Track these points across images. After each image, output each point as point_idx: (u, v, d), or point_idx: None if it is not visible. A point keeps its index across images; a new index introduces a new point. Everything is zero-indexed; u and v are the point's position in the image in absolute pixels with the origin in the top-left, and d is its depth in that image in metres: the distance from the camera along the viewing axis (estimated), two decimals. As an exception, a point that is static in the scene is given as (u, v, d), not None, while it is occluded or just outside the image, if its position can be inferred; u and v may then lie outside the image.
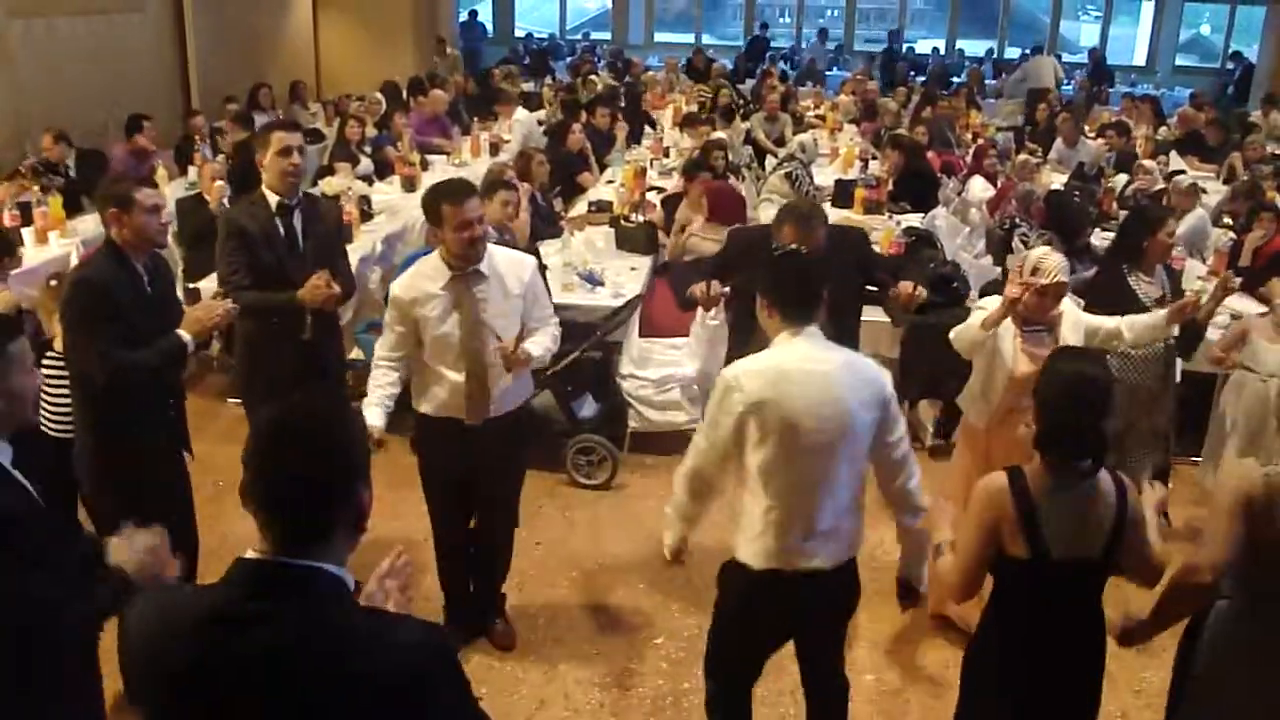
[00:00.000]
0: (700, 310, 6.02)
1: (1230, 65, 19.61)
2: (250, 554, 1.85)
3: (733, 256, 4.96)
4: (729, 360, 4.57)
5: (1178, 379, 5.66)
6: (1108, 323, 4.47)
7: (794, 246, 3.61)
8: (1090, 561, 2.89)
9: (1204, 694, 3.07)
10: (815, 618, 3.47)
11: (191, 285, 6.78)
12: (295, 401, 1.93)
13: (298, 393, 1.99)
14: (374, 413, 4.03)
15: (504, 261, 4.16)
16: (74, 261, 6.83)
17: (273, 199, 4.43)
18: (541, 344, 4.15)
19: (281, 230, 4.42)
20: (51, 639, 2.54)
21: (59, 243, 7.05)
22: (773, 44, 21.88)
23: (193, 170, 8.60)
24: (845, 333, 4.43)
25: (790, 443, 3.17)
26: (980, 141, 10.93)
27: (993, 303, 4.32)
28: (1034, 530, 2.84)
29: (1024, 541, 2.85)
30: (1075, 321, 4.35)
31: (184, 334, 3.88)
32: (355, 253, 7.18)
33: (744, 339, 4.56)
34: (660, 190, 8.68)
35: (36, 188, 7.51)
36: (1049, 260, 4.18)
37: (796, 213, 4.59)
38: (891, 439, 3.36)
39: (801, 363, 3.20)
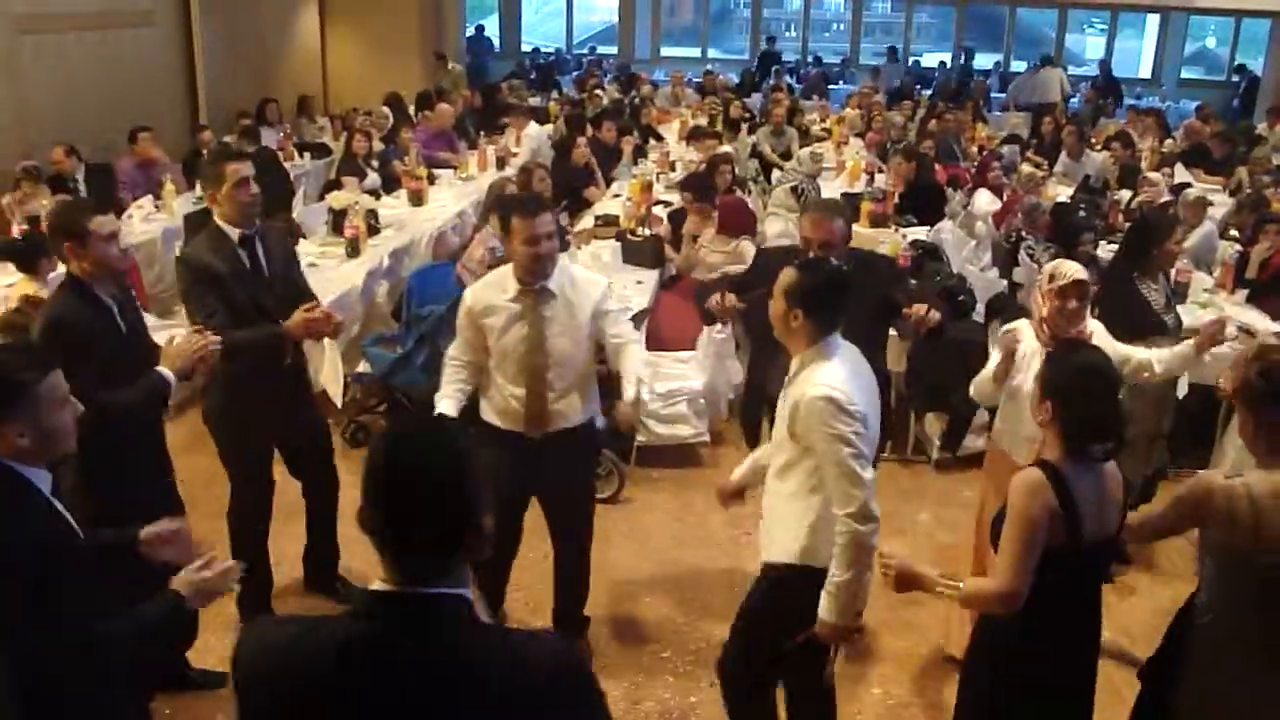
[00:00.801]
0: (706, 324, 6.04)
1: (1235, 78, 19.63)
2: (378, 585, 1.82)
3: (759, 275, 4.89)
4: (751, 374, 4.60)
5: (1183, 390, 5.67)
6: (1137, 353, 4.41)
7: (834, 260, 3.61)
8: (1110, 540, 3.06)
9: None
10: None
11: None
12: (415, 436, 1.90)
13: (414, 425, 1.95)
14: (446, 403, 4.09)
15: (576, 281, 4.17)
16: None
17: (233, 232, 4.18)
18: (633, 376, 4.13)
19: (247, 263, 4.22)
20: (100, 666, 2.53)
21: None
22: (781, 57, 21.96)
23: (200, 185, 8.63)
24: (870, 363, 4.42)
25: (870, 447, 3.29)
26: (985, 154, 10.95)
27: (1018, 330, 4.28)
28: (1074, 518, 2.90)
29: (1064, 530, 2.90)
30: (1105, 346, 4.14)
31: (165, 371, 3.72)
32: (362, 267, 7.22)
33: (765, 355, 4.58)
34: (667, 204, 8.70)
35: (46, 202, 7.54)
36: (1064, 264, 4.20)
37: (815, 205, 4.64)
38: None
39: (855, 365, 3.33)
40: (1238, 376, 3.11)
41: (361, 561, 5.04)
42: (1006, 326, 4.33)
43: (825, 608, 3.27)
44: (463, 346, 4.21)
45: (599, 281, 4.31)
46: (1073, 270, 4.13)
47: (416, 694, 1.76)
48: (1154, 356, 4.43)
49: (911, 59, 21.89)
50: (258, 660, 1.86)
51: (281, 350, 4.32)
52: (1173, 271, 6.89)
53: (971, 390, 4.37)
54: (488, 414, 4.24)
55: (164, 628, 2.66)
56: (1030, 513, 2.90)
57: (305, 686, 1.79)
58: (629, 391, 4.06)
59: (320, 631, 1.85)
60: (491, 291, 4.14)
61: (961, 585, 3.09)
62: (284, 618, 2.10)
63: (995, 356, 4.31)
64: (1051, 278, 4.14)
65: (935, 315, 4.32)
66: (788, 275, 3.37)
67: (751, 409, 5.62)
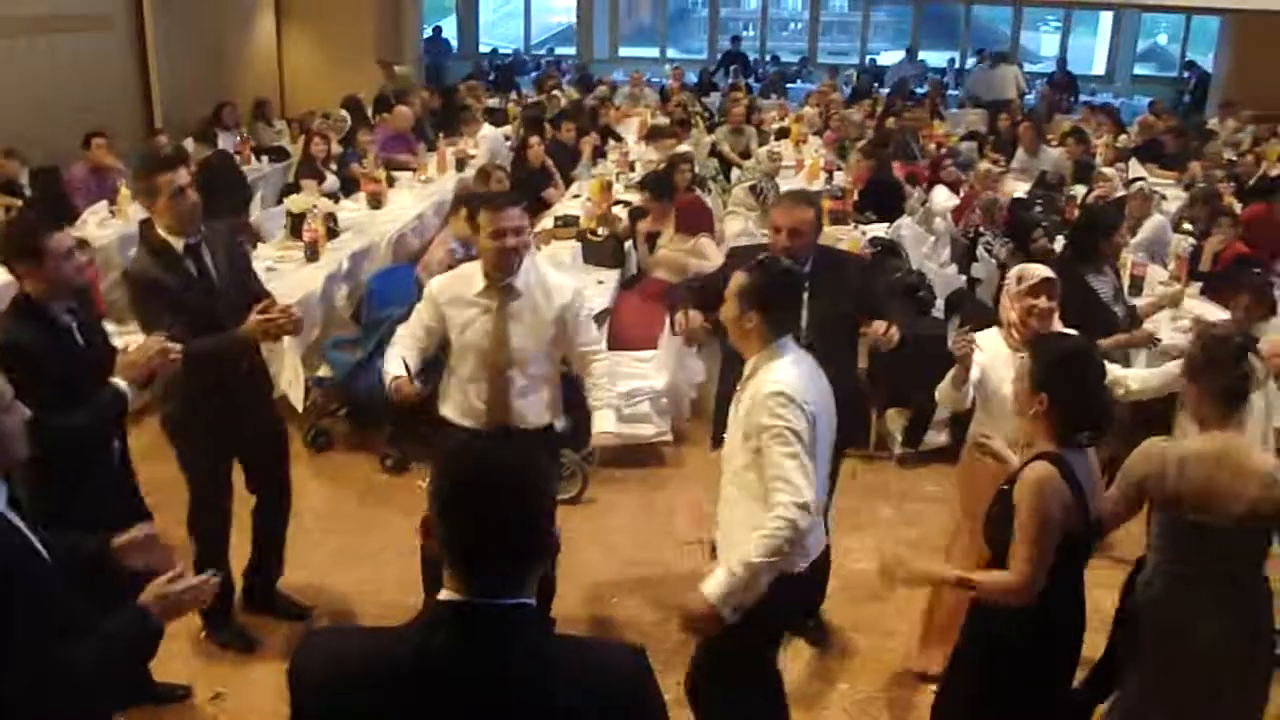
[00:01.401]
0: (668, 322, 6.04)
1: (1185, 74, 19.89)
2: (446, 596, 1.81)
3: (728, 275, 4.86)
4: (723, 378, 4.58)
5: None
6: (1113, 369, 4.21)
7: (785, 260, 3.58)
8: (1099, 520, 3.16)
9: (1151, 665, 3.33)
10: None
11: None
12: (489, 451, 1.92)
13: (479, 443, 1.93)
14: (395, 362, 4.05)
15: (546, 283, 4.16)
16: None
17: (176, 242, 4.06)
18: (600, 382, 4.32)
19: (195, 272, 4.11)
20: (60, 692, 2.45)
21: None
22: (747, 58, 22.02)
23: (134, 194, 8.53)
24: (839, 364, 4.29)
25: (819, 446, 3.29)
26: (941, 151, 11.03)
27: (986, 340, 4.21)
28: (1083, 504, 2.98)
29: (1078, 518, 2.97)
30: None
31: (120, 383, 3.60)
32: (321, 270, 7.18)
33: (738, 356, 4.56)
34: (627, 204, 8.71)
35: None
36: (1031, 267, 4.19)
37: (787, 194, 4.66)
38: None
39: (810, 368, 3.34)
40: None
41: (307, 575, 5.02)
42: (965, 336, 4.19)
43: (715, 585, 3.14)
44: (413, 326, 4.19)
45: (571, 286, 4.29)
46: (1040, 271, 4.12)
47: (493, 706, 1.76)
48: (1130, 376, 4.36)
49: (868, 58, 22.02)
50: (323, 672, 1.83)
51: (241, 355, 4.24)
52: (1126, 264, 7.00)
53: (937, 395, 4.33)
54: (447, 410, 4.22)
55: (133, 647, 2.59)
56: (1048, 508, 2.93)
57: (378, 699, 1.77)
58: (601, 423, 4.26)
59: (390, 643, 1.83)
60: (459, 284, 4.13)
61: (975, 579, 3.10)
62: (345, 628, 2.07)
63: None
64: (1020, 279, 4.11)
65: (895, 334, 4.29)
66: (740, 278, 3.36)
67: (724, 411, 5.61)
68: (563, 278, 4.42)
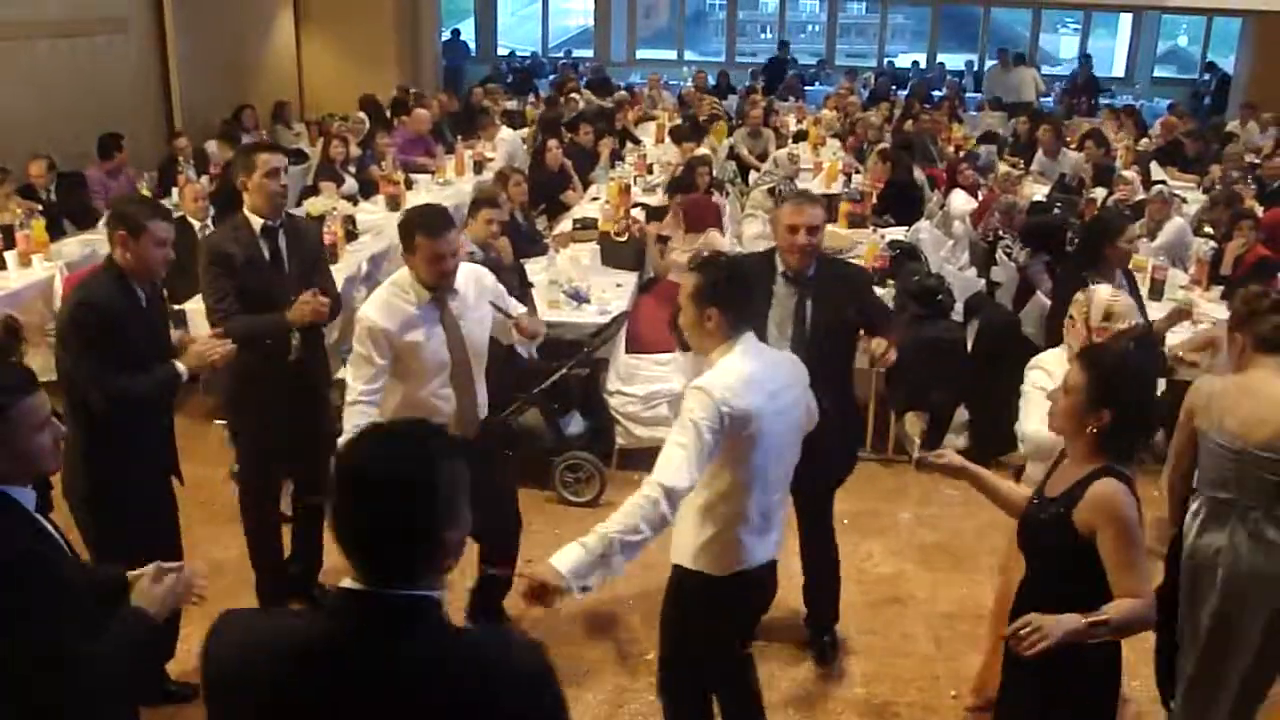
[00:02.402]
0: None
1: (1205, 76, 19.79)
2: (348, 583, 1.83)
3: None
4: None
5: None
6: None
7: (728, 251, 3.58)
8: None
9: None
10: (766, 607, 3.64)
11: (177, 307, 6.77)
12: (386, 438, 1.89)
13: (379, 436, 1.91)
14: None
15: (467, 277, 4.21)
16: (57, 285, 6.82)
17: (256, 222, 4.35)
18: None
19: (267, 253, 4.35)
20: (85, 684, 2.48)
21: (42, 265, 7.04)
22: (754, 59, 22.00)
23: (176, 192, 8.59)
24: (836, 371, 4.37)
25: (759, 450, 3.21)
26: (958, 154, 11.00)
27: (1043, 378, 3.87)
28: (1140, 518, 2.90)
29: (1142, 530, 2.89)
30: None
31: (180, 365, 3.87)
32: (340, 273, 7.18)
33: None
34: (645, 206, 8.71)
35: (20, 210, 7.49)
36: (1120, 302, 3.85)
37: (792, 195, 4.65)
38: (809, 421, 3.52)
39: (758, 371, 3.21)
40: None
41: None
42: (1042, 370, 3.92)
43: (564, 555, 2.96)
44: (371, 377, 4.00)
45: (480, 271, 4.37)
46: (1131, 314, 3.86)
47: (380, 694, 1.76)
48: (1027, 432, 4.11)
49: (886, 60, 21.99)
50: (227, 654, 1.87)
51: (281, 339, 4.39)
52: (1147, 268, 6.97)
53: (1027, 449, 3.96)
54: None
55: (139, 645, 2.60)
56: (1135, 520, 2.81)
57: (273, 681, 1.80)
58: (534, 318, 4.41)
59: (290, 627, 1.88)
60: (399, 304, 4.03)
61: (1107, 618, 2.77)
62: (255, 611, 2.09)
63: (1031, 407, 3.91)
64: (1108, 316, 3.79)
65: (893, 355, 4.23)
66: (689, 279, 3.31)
67: None
68: (468, 266, 4.36)
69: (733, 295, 3.25)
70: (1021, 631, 2.76)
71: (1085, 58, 20.22)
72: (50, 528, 2.59)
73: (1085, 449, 2.89)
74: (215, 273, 4.31)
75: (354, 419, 3.94)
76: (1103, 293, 3.88)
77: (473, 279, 4.23)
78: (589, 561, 2.96)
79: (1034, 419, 3.79)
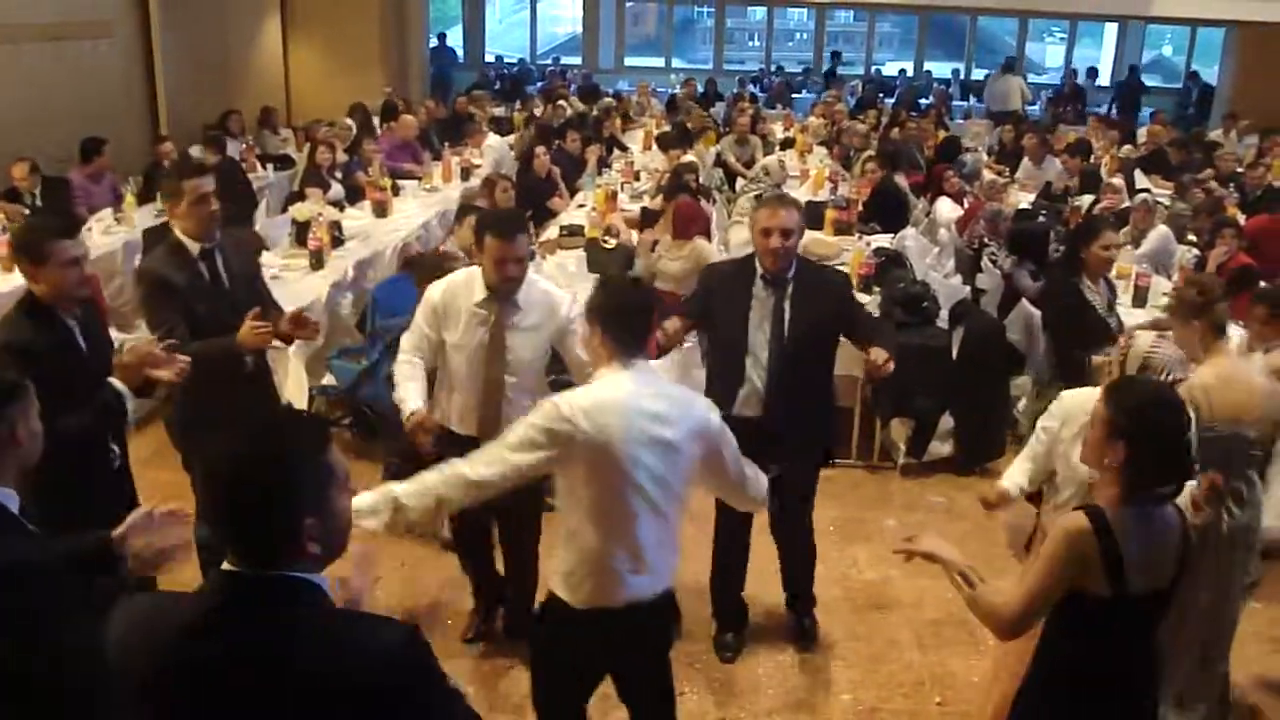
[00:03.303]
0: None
1: (1188, 85, 19.90)
2: (226, 566, 1.90)
3: (708, 292, 4.72)
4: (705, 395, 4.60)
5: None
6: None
7: (633, 275, 3.46)
8: (1162, 592, 2.83)
9: None
10: (636, 652, 3.39)
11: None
12: (242, 435, 1.93)
13: (238, 430, 1.96)
14: (412, 395, 4.08)
15: (540, 296, 4.18)
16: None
17: (193, 246, 4.16)
18: None
19: (207, 276, 4.20)
20: (83, 685, 2.48)
21: (26, 271, 6.98)
22: (741, 67, 22.06)
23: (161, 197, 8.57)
24: (814, 376, 4.40)
25: (620, 479, 3.08)
26: (938, 163, 11.02)
27: (1048, 416, 3.86)
28: (1117, 570, 2.73)
29: (1106, 581, 2.73)
30: None
31: (118, 384, 3.62)
32: (326, 279, 7.18)
33: (718, 378, 4.51)
34: (643, 210, 8.70)
35: (4, 215, 7.46)
36: (1159, 354, 3.62)
37: (767, 198, 4.72)
38: (726, 463, 3.34)
39: (631, 398, 3.09)
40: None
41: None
42: (1058, 406, 3.85)
43: (363, 496, 3.01)
44: (415, 343, 4.21)
45: (564, 299, 4.30)
46: (1173, 366, 3.61)
47: (248, 668, 1.83)
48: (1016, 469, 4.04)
49: (874, 68, 22.07)
50: (122, 633, 1.94)
51: (237, 361, 4.26)
52: (1131, 275, 7.00)
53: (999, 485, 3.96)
54: (443, 417, 4.24)
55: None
56: (1062, 559, 2.74)
57: (158, 659, 1.88)
58: None
59: (174, 607, 1.95)
60: (460, 290, 4.14)
61: (972, 583, 2.87)
62: (154, 594, 2.14)
63: (1024, 449, 3.97)
64: (1144, 369, 3.57)
65: (890, 366, 4.20)
66: (591, 293, 3.30)
67: None
68: (555, 289, 4.41)
69: (618, 322, 3.16)
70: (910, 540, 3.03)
71: (1072, 68, 20.34)
72: (31, 527, 2.58)
73: (1105, 482, 2.85)
74: (157, 302, 4.12)
75: (400, 372, 4.18)
76: (1142, 342, 3.68)
77: (547, 305, 4.18)
78: (375, 506, 3.06)
79: (1017, 463, 3.99)
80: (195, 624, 1.87)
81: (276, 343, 4.37)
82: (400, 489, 3.11)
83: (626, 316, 3.18)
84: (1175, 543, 2.82)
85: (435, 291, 4.19)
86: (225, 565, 1.90)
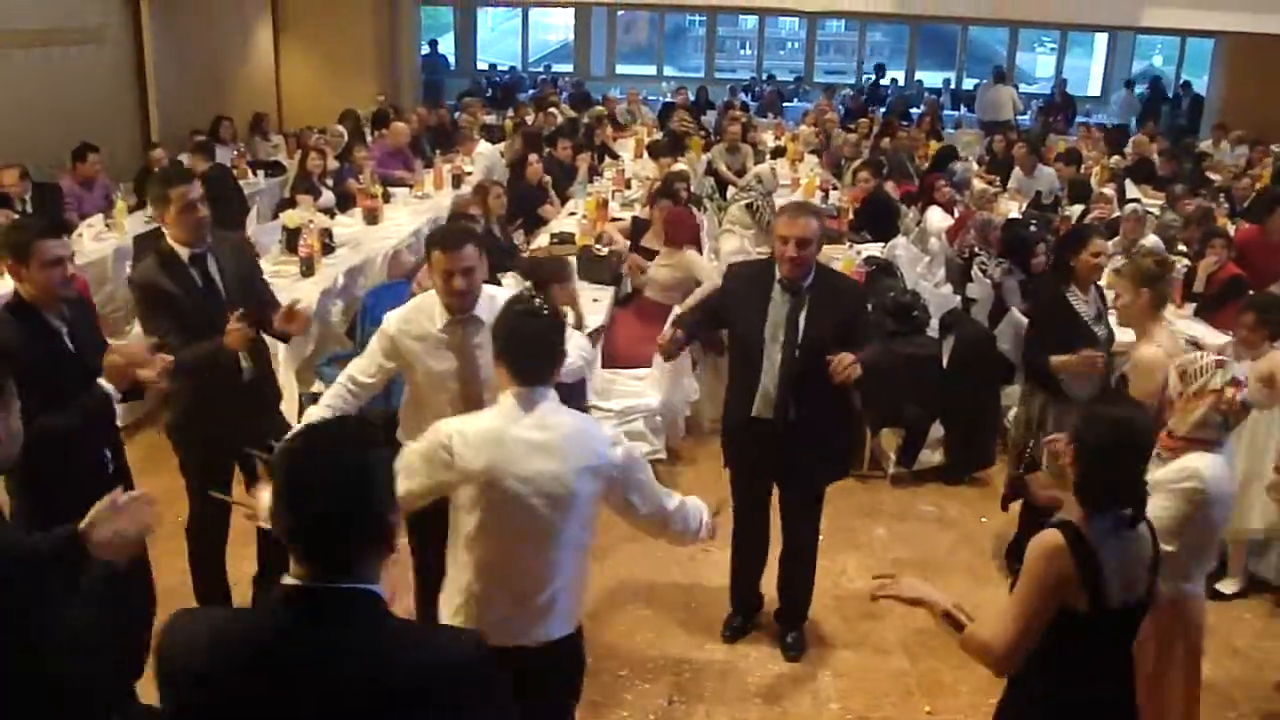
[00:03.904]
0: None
1: (1177, 95, 19.98)
2: (288, 580, 1.89)
3: (727, 292, 4.73)
4: (728, 400, 4.62)
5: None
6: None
7: (538, 302, 3.19)
8: (1139, 603, 2.83)
9: None
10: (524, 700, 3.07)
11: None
12: (324, 435, 1.95)
13: (317, 429, 1.99)
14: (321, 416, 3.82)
15: (496, 308, 3.97)
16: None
17: (183, 251, 4.17)
18: (571, 351, 3.86)
19: (200, 281, 4.20)
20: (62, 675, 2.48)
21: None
22: (733, 75, 22.10)
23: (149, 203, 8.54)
24: (822, 383, 4.32)
25: (496, 513, 2.98)
26: (930, 172, 11.05)
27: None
28: (1096, 583, 2.71)
29: (1085, 595, 2.71)
30: None
31: (106, 385, 3.63)
32: (317, 286, 7.17)
33: (737, 378, 4.57)
34: (634, 219, 8.70)
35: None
36: (1190, 364, 3.49)
37: (790, 206, 4.64)
38: (633, 502, 3.17)
39: (522, 429, 2.98)
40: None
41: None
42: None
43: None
44: (365, 369, 3.94)
45: None
46: (1212, 372, 3.44)
47: (321, 684, 1.82)
48: None
49: (865, 77, 22.12)
50: (179, 653, 1.90)
51: (227, 363, 4.24)
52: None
53: None
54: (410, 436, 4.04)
55: (109, 594, 2.55)
56: (1042, 577, 2.72)
57: (224, 679, 1.85)
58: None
59: (237, 624, 1.95)
60: (419, 318, 3.94)
61: (965, 625, 2.83)
62: (206, 610, 2.12)
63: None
64: (1181, 377, 3.48)
65: (857, 371, 4.15)
66: (498, 314, 3.19)
67: None
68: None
69: (514, 349, 3.05)
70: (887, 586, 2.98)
71: (1061, 78, 20.40)
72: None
73: (1072, 498, 2.86)
74: (150, 309, 4.16)
75: (327, 398, 3.93)
76: (1175, 364, 3.59)
77: None
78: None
79: None
80: (269, 640, 1.86)
81: (282, 349, 4.37)
82: None
83: (523, 345, 3.05)
84: (1148, 552, 2.83)
85: (391, 323, 3.93)
86: (288, 579, 1.88)
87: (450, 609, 3.10)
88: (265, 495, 2.91)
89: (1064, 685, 2.81)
